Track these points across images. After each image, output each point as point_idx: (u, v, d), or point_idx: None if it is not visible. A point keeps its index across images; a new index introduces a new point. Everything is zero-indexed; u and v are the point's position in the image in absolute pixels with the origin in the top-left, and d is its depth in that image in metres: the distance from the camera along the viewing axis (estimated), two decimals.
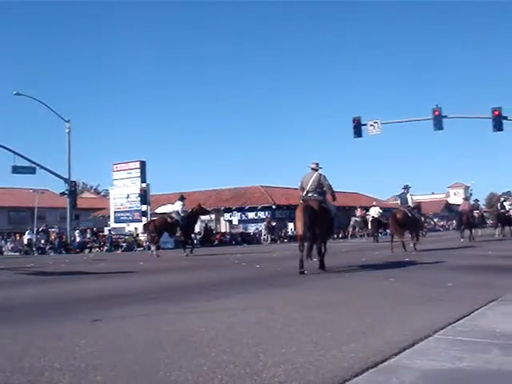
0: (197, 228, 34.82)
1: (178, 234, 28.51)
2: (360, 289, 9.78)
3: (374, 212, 41.94)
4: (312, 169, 14.43)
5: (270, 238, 49.26)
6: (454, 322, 5.83)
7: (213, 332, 5.67)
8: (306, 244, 13.22)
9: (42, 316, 7.43)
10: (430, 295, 8.30)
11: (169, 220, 27.58)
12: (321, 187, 14.21)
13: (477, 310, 6.64)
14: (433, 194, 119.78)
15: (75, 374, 4.12)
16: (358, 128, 39.61)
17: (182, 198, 28.07)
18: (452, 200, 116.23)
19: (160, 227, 27.91)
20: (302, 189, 14.27)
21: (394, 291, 9.19)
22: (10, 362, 4.57)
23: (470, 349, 4.62)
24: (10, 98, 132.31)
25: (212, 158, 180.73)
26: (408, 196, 23.91)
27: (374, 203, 46.54)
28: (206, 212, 30.51)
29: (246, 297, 8.99)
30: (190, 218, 28.01)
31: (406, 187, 24.24)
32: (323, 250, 14.05)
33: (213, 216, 50.86)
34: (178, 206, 27.61)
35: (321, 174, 14.27)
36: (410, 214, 22.93)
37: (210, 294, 9.51)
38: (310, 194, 14.06)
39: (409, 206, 23.52)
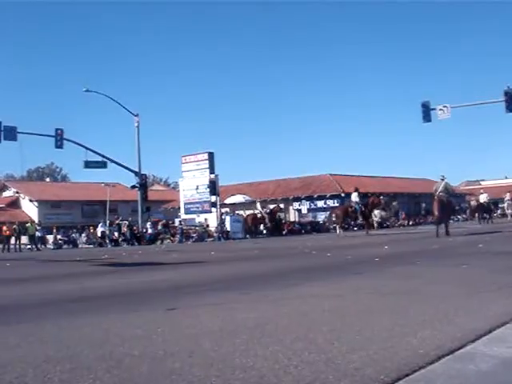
0: (376, 216, 41.55)
1: (359, 220, 34.98)
2: (433, 276, 9.65)
3: (483, 198, 44.73)
4: (441, 179, 24.57)
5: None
6: None
7: (286, 319, 5.72)
8: (439, 223, 23.75)
9: (118, 305, 7.63)
10: (505, 282, 8.10)
11: (349, 209, 33.80)
12: (446, 189, 24.36)
13: None
14: (506, 178, 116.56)
15: (154, 361, 4.23)
16: (426, 112, 39.01)
17: (357, 190, 33.97)
18: None
19: (343, 213, 34.14)
20: (435, 190, 24.21)
21: (468, 278, 9.02)
22: (91, 349, 4.72)
23: None
24: (80, 96, 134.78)
25: (280, 148, 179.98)
26: None
27: (482, 190, 49.32)
28: (379, 203, 36.20)
29: (317, 284, 8.99)
30: (369, 206, 34.00)
31: None
32: (448, 224, 24.58)
33: (282, 205, 50.85)
34: (355, 197, 33.61)
35: (446, 182, 24.66)
36: None
37: (282, 282, 9.57)
38: (440, 194, 23.87)
39: None
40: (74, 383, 3.74)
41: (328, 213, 52.63)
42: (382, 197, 39.98)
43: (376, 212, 39.31)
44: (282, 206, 51.29)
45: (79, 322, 6.24)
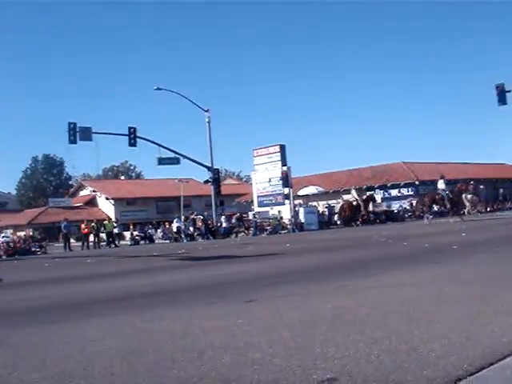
0: (469, 201, 39.75)
1: (448, 206, 34.08)
2: None
3: None
4: None
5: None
6: None
7: (366, 309, 5.70)
8: None
9: (197, 298, 7.75)
10: None
11: (437, 196, 33.57)
12: None
13: None
14: None
15: (235, 352, 4.29)
16: (501, 95, 37.89)
17: (443, 177, 33.87)
18: None
19: (430, 201, 33.99)
20: None
21: None
22: (173, 341, 4.83)
23: None
24: (152, 94, 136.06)
25: (352, 137, 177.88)
26: None
27: None
28: (466, 188, 36.85)
29: (395, 274, 8.93)
30: (456, 193, 34.16)
31: None
32: None
33: (355, 195, 50.48)
34: (441, 184, 33.41)
35: None
36: None
37: (359, 272, 9.53)
38: None
39: None
40: (159, 374, 3.84)
41: (403, 201, 52.03)
42: (472, 182, 39.59)
43: (469, 197, 38.23)
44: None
45: (160, 315, 6.39)
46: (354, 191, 46.96)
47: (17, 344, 5.27)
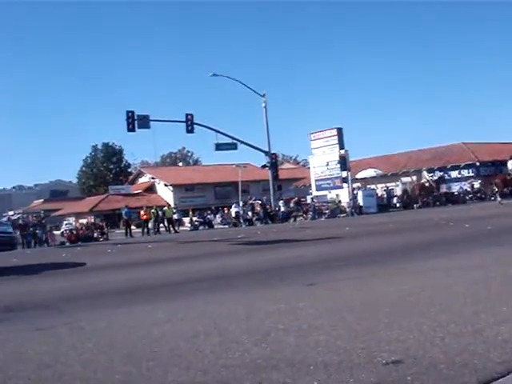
0: None
1: None
2: None
3: None
4: None
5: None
6: None
7: (429, 291, 5.66)
8: None
9: (259, 282, 7.83)
10: None
11: (507, 177, 32.75)
12: None
13: None
14: None
15: (299, 334, 4.33)
16: None
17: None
18: None
19: (502, 182, 33.16)
20: None
21: None
22: (237, 324, 4.89)
23: None
24: (208, 80, 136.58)
25: (412, 119, 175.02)
26: None
27: None
28: None
29: (458, 256, 8.80)
30: None
31: None
32: None
33: (414, 178, 49.78)
34: (511, 165, 31.51)
35: None
36: None
37: (421, 254, 9.45)
38: None
39: None
40: (224, 356, 3.90)
41: (463, 183, 51.11)
42: None
43: None
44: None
45: (222, 298, 6.47)
46: (425, 172, 46.28)
47: (85, 327, 5.42)
